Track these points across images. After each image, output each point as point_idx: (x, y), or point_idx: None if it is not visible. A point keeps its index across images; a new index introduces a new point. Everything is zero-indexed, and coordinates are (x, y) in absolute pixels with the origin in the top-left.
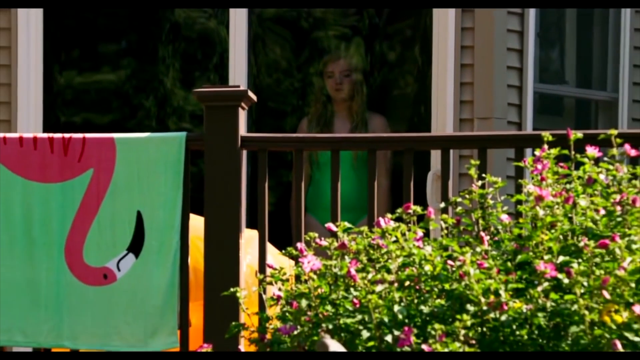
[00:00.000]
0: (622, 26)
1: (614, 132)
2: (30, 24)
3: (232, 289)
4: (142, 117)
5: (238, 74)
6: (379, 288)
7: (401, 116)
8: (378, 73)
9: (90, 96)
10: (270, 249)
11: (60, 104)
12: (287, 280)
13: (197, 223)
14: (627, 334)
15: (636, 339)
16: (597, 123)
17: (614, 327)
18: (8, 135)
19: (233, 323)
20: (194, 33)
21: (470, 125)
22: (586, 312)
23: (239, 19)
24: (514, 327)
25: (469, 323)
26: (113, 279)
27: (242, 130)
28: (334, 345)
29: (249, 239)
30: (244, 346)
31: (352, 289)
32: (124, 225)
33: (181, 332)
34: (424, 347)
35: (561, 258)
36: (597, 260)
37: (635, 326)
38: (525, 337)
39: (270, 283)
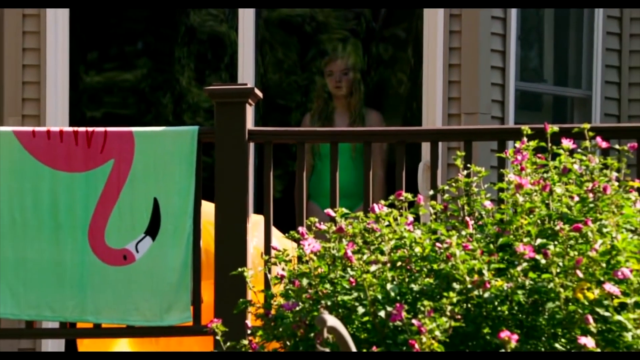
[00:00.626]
0: (595, 30)
1: (587, 126)
2: (57, 28)
3: (239, 269)
4: (159, 113)
5: (246, 73)
6: (373, 268)
7: (395, 112)
8: (374, 72)
9: (112, 93)
10: (275, 232)
11: (84, 100)
12: (290, 261)
13: (208, 209)
14: (598, 310)
15: (607, 314)
16: (573, 118)
17: (586, 303)
18: (37, 128)
19: (241, 300)
20: (206, 36)
21: (457, 119)
22: (561, 290)
23: (247, 23)
24: (496, 303)
25: (455, 300)
26: (132, 260)
27: (250, 124)
28: (332, 320)
29: (255, 223)
30: (250, 321)
31: (348, 269)
32: (142, 210)
33: (194, 308)
34: (414, 321)
35: (539, 241)
36: (572, 242)
37: (606, 302)
38: (506, 312)
39: (275, 263)
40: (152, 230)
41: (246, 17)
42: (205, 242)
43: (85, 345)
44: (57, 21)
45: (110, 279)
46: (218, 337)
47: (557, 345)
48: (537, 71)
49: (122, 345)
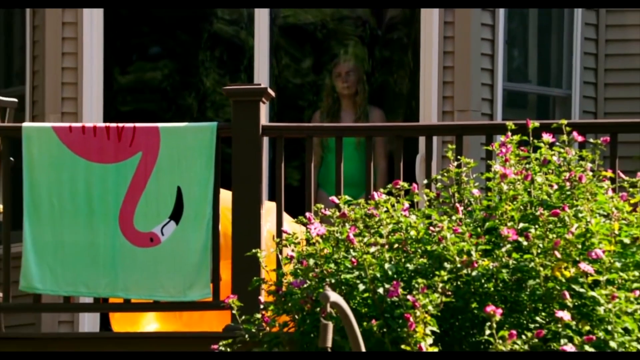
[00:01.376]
0: (574, 35)
1: (564, 121)
2: (93, 35)
3: (253, 251)
4: (185, 110)
5: (262, 75)
6: (372, 249)
7: (396, 109)
8: (378, 74)
9: (142, 92)
10: (286, 217)
11: (117, 99)
12: (299, 243)
13: (226, 196)
14: (574, 286)
15: (581, 290)
16: (555, 115)
17: (563, 280)
18: (73, 124)
19: (255, 278)
20: (227, 41)
21: (451, 116)
22: (541, 269)
23: (262, 29)
24: (483, 281)
25: (445, 278)
26: (158, 242)
27: (263, 121)
28: (334, 296)
29: (268, 209)
30: (263, 297)
31: (351, 250)
32: (167, 198)
33: (213, 285)
34: (409, 297)
35: (521, 225)
36: (551, 226)
37: (581, 280)
38: (492, 289)
39: (285, 245)
40: (176, 215)
41: (262, 24)
42: (224, 226)
43: (116, 318)
44: (93, 28)
45: (138, 259)
46: (234, 312)
47: (537, 318)
48: (522, 72)
49: (150, 318)
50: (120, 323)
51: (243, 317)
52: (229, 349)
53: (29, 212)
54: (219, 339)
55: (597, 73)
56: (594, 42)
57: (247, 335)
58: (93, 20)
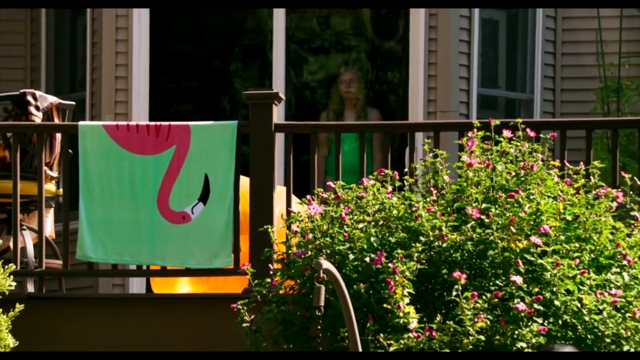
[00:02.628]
0: (536, 49)
1: (519, 120)
2: (140, 50)
3: (265, 227)
4: (220, 111)
5: (279, 82)
6: (360, 225)
7: (390, 110)
8: (376, 80)
9: (182, 96)
10: (295, 199)
11: (161, 102)
12: (302, 220)
13: (245, 182)
14: (526, 256)
15: (532, 259)
16: (520, 115)
17: (517, 251)
18: (120, 123)
19: (266, 249)
20: (255, 54)
21: (434, 116)
22: (499, 241)
23: (279, 44)
24: (452, 251)
25: (420, 249)
26: (189, 219)
27: (275, 119)
28: (326, 264)
29: (279, 193)
30: (273, 264)
31: (344, 226)
32: (196, 183)
33: (234, 255)
34: (390, 265)
35: (484, 205)
36: (508, 206)
37: (532, 250)
38: (459, 258)
39: (292, 222)
40: (204, 197)
41: (279, 40)
42: (243, 206)
43: (156, 282)
44: (141, 44)
45: (172, 233)
46: (249, 277)
47: (497, 282)
48: (493, 80)
49: (183, 282)
50: (159, 286)
51: (256, 282)
52: (245, 307)
53: (83, 195)
54: (238, 299)
55: (555, 80)
56: (552, 55)
57: (259, 296)
58: (141, 37)
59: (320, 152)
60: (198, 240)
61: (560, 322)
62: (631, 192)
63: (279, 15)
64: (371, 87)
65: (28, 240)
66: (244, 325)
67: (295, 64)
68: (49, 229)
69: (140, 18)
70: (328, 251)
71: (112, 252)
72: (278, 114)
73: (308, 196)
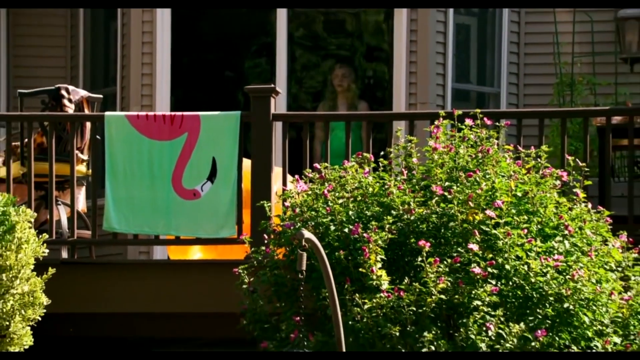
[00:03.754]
0: (502, 47)
1: (478, 110)
2: (163, 51)
3: (262, 202)
4: (236, 102)
5: (281, 79)
6: (340, 201)
7: (378, 102)
8: (366, 76)
9: (199, 90)
10: (290, 178)
11: (181, 95)
12: (293, 197)
13: (247, 164)
14: (482, 227)
15: (487, 229)
16: (489, 107)
17: (475, 223)
18: (140, 113)
19: (262, 221)
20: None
21: (415, 107)
22: (459, 215)
23: (282, 44)
24: (418, 223)
25: (391, 221)
26: (199, 196)
27: (273, 110)
28: (307, 234)
29: (277, 173)
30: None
31: (327, 202)
32: (205, 165)
33: (237, 227)
34: (365, 235)
35: (447, 183)
36: (467, 184)
37: (487, 222)
38: (425, 229)
39: (285, 199)
40: (212, 177)
41: (281, 40)
42: (245, 185)
43: (172, 250)
44: (163, 46)
45: (185, 208)
46: (246, 245)
47: (459, 249)
48: (465, 75)
49: (195, 250)
50: (175, 253)
51: (254, 249)
52: (245, 271)
53: (108, 175)
54: (239, 264)
55: (519, 76)
56: (516, 55)
57: (255, 262)
58: (163, 40)
59: (317, 138)
60: (207, 213)
61: (510, 283)
62: (574, 172)
63: (281, 19)
64: (361, 81)
65: (62, 213)
66: (244, 286)
67: (296, 61)
68: (81, 204)
69: (163, 24)
70: (313, 223)
71: (133, 224)
72: (278, 105)
73: (296, 176)
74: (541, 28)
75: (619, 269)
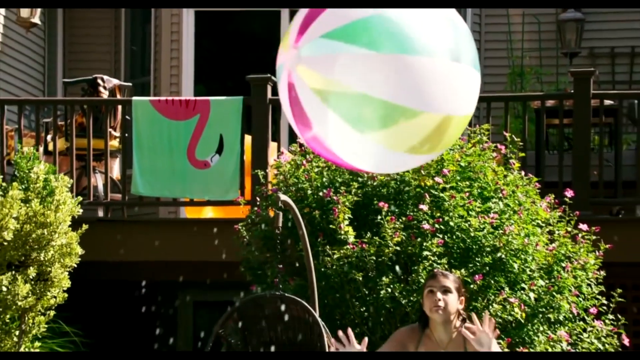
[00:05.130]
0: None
1: None
2: (188, 48)
3: (257, 171)
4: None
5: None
6: (317, 170)
7: None
8: None
9: (222, 79)
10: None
11: (202, 83)
12: (282, 166)
13: (248, 140)
14: (432, 191)
15: (435, 193)
16: None
17: (426, 188)
18: (161, 98)
19: (256, 187)
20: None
21: None
22: (413, 181)
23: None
24: (380, 188)
25: (357, 186)
26: (209, 166)
27: (269, 95)
28: (283, 197)
29: (273, 147)
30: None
31: (306, 171)
32: (214, 140)
33: (240, 191)
34: (335, 197)
35: None
36: None
37: (436, 187)
38: (385, 192)
39: (276, 168)
40: (219, 150)
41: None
42: (247, 157)
43: (188, 210)
44: (188, 43)
45: (198, 176)
46: (242, 205)
47: (414, 209)
48: None
49: (207, 210)
50: (191, 213)
51: (249, 208)
52: (243, 227)
53: (135, 149)
54: (240, 222)
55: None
56: (478, 50)
57: (249, 220)
58: (188, 38)
59: None
60: (215, 180)
61: (454, 237)
62: (511, 146)
63: (284, 17)
64: None
65: (99, 180)
66: (241, 240)
67: None
68: (115, 173)
69: (188, 25)
70: (294, 188)
71: (155, 188)
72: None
73: (282, 149)
74: (497, 28)
75: (546, 225)
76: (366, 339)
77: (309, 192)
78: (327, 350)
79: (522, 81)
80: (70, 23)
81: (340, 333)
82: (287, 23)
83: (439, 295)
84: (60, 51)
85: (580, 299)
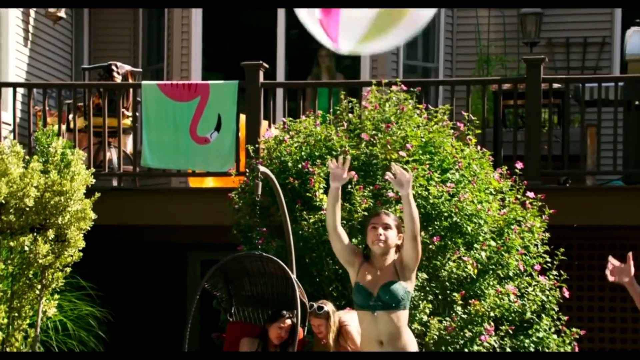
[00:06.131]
0: (440, 34)
1: (398, 79)
2: (196, 39)
3: (247, 146)
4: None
5: (281, 58)
6: (296, 145)
7: (350, 74)
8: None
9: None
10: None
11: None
12: (268, 142)
13: (243, 119)
14: (397, 162)
15: (400, 165)
16: (432, 77)
17: (392, 159)
18: (167, 82)
19: (247, 160)
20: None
21: (376, 78)
22: (380, 154)
23: (281, 33)
24: (352, 160)
25: (331, 159)
26: (209, 142)
27: (261, 80)
28: (262, 168)
29: (264, 125)
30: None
31: (288, 146)
32: (213, 119)
33: (236, 164)
34: (312, 169)
35: (373, 132)
36: (389, 132)
37: (400, 159)
38: (356, 164)
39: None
40: (218, 128)
41: (281, 30)
42: (242, 133)
43: (192, 180)
44: (196, 35)
45: (199, 150)
46: (232, 176)
47: (381, 179)
48: (414, 55)
49: (208, 180)
50: (194, 183)
51: (239, 177)
52: (236, 195)
53: (145, 127)
54: (233, 190)
55: (452, 55)
56: (450, 39)
57: (239, 189)
58: (197, 31)
59: (308, 100)
60: (214, 154)
61: (415, 203)
62: (468, 123)
63: (281, 15)
64: (338, 60)
65: (114, 154)
66: (234, 206)
67: (291, 44)
68: (129, 148)
69: (197, 20)
70: (277, 161)
71: (162, 161)
72: (278, 76)
73: (271, 125)
74: (467, 21)
75: (498, 193)
76: (353, 173)
77: (290, 164)
78: (298, 302)
79: (489, 67)
80: (95, 17)
81: (332, 160)
82: (284, 17)
83: (381, 230)
84: (87, 41)
85: (528, 257)
